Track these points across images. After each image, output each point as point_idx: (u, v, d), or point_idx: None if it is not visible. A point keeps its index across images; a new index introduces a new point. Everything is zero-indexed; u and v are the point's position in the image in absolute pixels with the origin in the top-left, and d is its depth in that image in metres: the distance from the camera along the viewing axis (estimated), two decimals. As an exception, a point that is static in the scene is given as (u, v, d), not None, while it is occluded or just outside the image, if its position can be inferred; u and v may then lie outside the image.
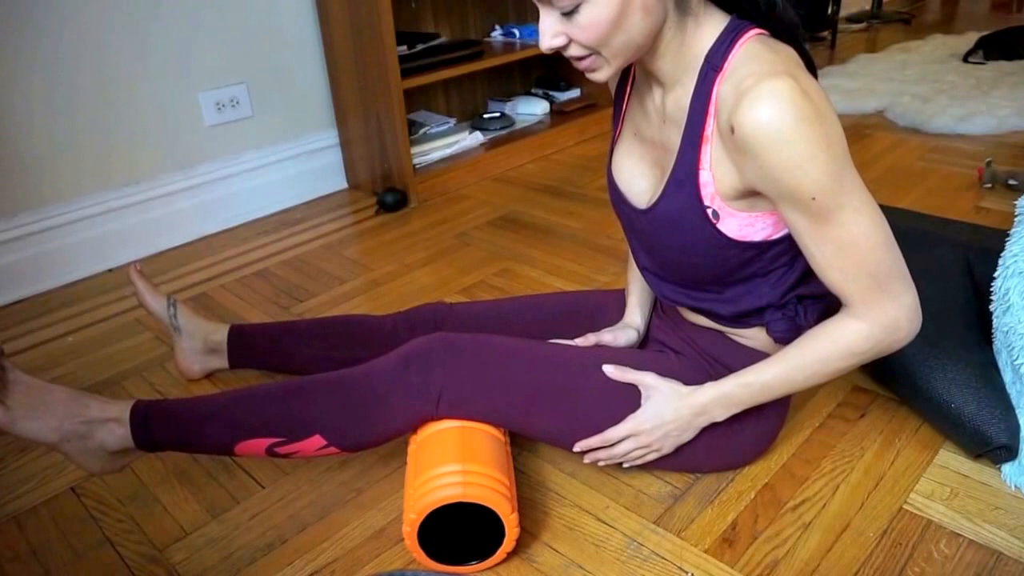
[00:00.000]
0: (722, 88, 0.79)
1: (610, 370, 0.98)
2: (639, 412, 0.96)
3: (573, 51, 0.80)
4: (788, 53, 0.79)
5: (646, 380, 0.96)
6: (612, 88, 1.02)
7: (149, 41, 1.84)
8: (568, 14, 0.76)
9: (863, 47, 3.71)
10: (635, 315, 1.13)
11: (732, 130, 0.76)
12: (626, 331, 1.10)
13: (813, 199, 0.76)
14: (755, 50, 0.78)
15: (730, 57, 0.79)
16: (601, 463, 1.00)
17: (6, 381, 0.93)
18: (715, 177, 0.83)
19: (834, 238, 0.79)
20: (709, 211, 0.85)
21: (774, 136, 0.73)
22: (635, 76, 0.96)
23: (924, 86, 2.79)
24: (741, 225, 0.85)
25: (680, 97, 0.85)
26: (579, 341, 1.07)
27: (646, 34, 0.79)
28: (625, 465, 1.00)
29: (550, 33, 0.79)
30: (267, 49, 2.07)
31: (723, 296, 0.94)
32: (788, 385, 0.91)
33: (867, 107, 2.68)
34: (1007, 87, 2.69)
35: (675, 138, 0.87)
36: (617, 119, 1.00)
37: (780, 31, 0.82)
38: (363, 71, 2.08)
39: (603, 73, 0.83)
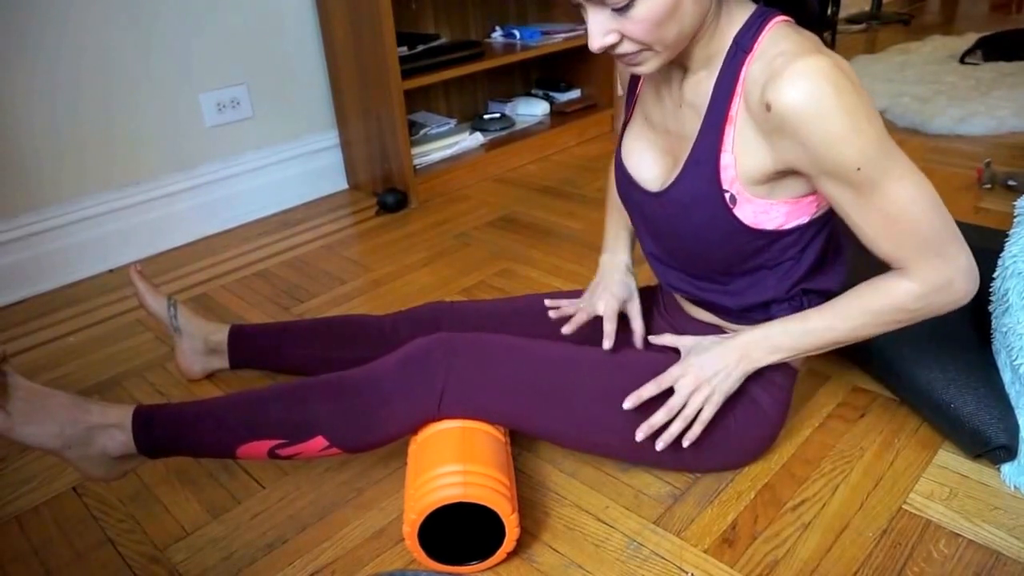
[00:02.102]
0: (751, 68, 0.80)
1: (653, 338, 1.01)
2: (685, 356, 0.95)
3: (625, 48, 0.79)
4: (814, 37, 0.80)
5: (684, 341, 0.98)
6: (624, 77, 1.02)
7: (150, 42, 1.84)
8: (621, 10, 0.75)
9: (862, 48, 3.71)
10: (618, 252, 1.13)
11: (768, 107, 0.76)
12: (617, 278, 1.09)
13: (858, 169, 0.76)
14: (783, 32, 0.80)
15: (759, 40, 0.80)
16: (662, 442, 0.92)
17: (6, 386, 0.92)
18: (737, 160, 0.83)
19: (881, 208, 0.79)
20: (727, 195, 0.85)
21: (815, 110, 0.73)
22: None
23: (923, 87, 2.79)
24: (756, 212, 0.85)
25: (702, 80, 0.86)
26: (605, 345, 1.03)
27: (696, 22, 0.79)
28: (680, 428, 0.92)
29: (601, 32, 0.77)
30: (268, 50, 2.07)
31: (729, 288, 0.94)
32: (831, 334, 0.89)
33: (867, 108, 2.67)
34: (1006, 88, 2.69)
35: (693, 122, 0.87)
36: (629, 105, 1.01)
37: (802, 20, 0.84)
38: (363, 72, 2.08)
39: (650, 65, 0.81)
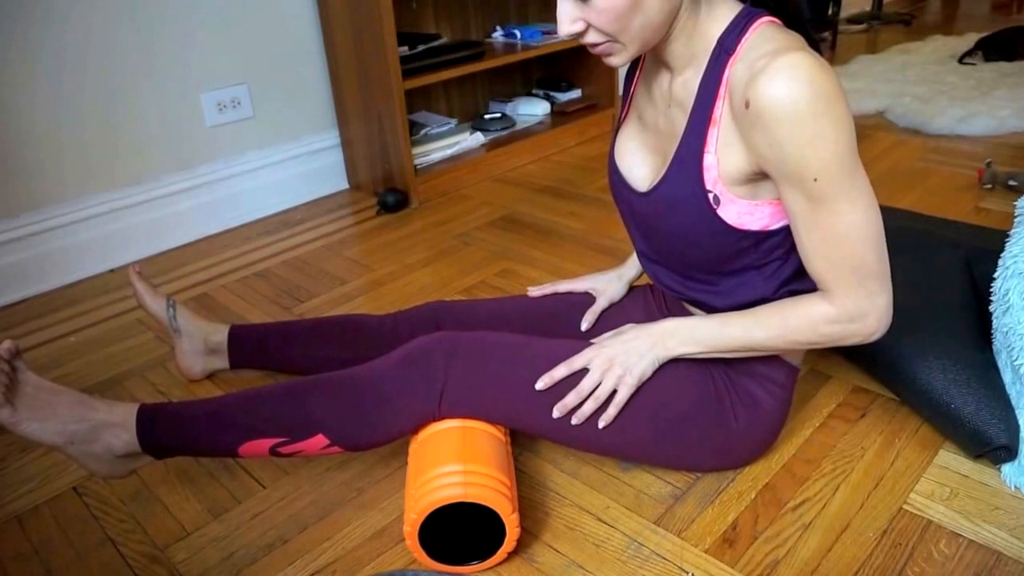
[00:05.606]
0: (735, 69, 0.80)
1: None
2: (602, 339, 1.00)
3: (591, 37, 0.81)
4: (800, 38, 0.80)
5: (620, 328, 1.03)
6: (623, 73, 1.03)
7: (151, 42, 1.84)
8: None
9: (863, 48, 3.71)
10: (629, 267, 1.21)
11: (747, 104, 0.77)
12: (612, 283, 1.19)
13: (815, 180, 0.77)
14: (768, 33, 0.80)
15: (743, 40, 0.80)
16: (575, 419, 0.95)
17: (16, 382, 0.93)
18: (719, 160, 0.84)
19: (826, 225, 0.80)
20: (710, 196, 0.85)
21: (790, 109, 0.74)
22: (644, 62, 0.97)
23: (924, 87, 2.79)
24: (740, 213, 0.86)
25: (689, 80, 0.86)
26: (583, 326, 1.16)
27: (663, 18, 0.80)
28: (592, 408, 0.94)
29: (568, 19, 0.80)
30: (268, 50, 2.08)
31: (717, 288, 0.95)
32: (746, 338, 0.91)
33: (867, 108, 2.68)
34: (1007, 88, 2.69)
35: (680, 121, 0.88)
36: (624, 104, 1.01)
37: (791, 21, 0.84)
38: (364, 72, 2.08)
39: (619, 58, 0.83)
